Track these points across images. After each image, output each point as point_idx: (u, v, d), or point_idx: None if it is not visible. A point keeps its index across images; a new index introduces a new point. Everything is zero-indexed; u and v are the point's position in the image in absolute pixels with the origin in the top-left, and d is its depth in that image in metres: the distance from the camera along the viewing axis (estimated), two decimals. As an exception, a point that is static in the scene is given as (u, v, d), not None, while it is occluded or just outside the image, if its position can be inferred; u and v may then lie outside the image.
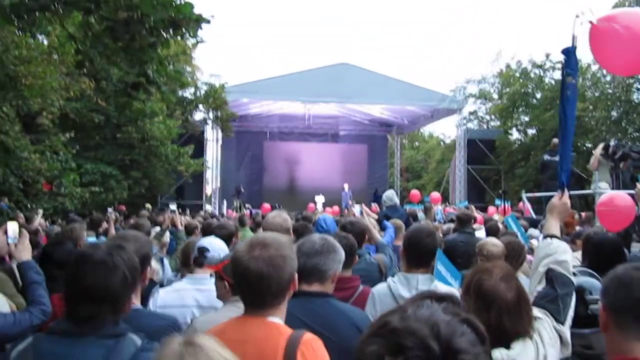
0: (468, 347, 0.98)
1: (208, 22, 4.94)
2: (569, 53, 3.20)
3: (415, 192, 22.55)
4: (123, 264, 2.06)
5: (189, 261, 3.80)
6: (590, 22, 3.24)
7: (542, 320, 2.34)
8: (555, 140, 12.61)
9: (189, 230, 7.15)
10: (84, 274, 2.01)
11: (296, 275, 2.19)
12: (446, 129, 52.74)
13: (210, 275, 3.33)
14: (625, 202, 5.70)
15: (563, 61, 3.24)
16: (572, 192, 11.10)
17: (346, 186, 25.54)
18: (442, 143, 47.71)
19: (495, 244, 4.80)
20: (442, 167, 38.88)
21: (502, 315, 2.13)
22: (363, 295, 3.53)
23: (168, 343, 1.43)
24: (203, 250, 3.48)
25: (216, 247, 3.55)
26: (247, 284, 2.09)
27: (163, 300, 3.34)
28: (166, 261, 5.37)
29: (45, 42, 10.65)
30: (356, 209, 7.22)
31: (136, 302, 2.64)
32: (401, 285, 3.34)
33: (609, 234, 4.47)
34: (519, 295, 2.19)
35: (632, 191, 6.98)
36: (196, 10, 4.79)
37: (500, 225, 9.16)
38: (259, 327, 2.07)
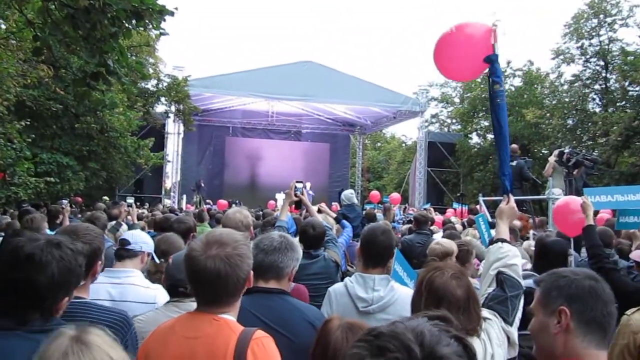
0: (452, 356, 0.95)
1: (172, 14, 4.86)
2: (492, 61, 3.30)
3: (375, 193, 22.73)
4: (53, 261, 1.98)
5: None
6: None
7: (491, 320, 2.41)
8: (514, 145, 12.86)
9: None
10: (10, 266, 1.96)
11: (252, 273, 2.18)
12: (408, 131, 53.33)
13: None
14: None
15: (488, 70, 3.33)
16: (527, 197, 11.35)
17: (308, 185, 25.58)
18: (403, 145, 48.25)
19: (438, 242, 4.91)
20: (403, 168, 39.34)
21: (452, 311, 2.16)
22: (294, 291, 3.50)
23: (57, 336, 1.37)
24: (124, 243, 3.44)
25: (138, 239, 3.52)
26: (204, 282, 2.06)
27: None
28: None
29: (3, 27, 10.33)
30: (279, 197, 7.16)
31: (85, 296, 2.60)
32: (358, 285, 3.36)
33: (555, 238, 4.60)
34: (469, 293, 2.25)
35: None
36: (160, 2, 4.73)
37: (459, 227, 9.34)
38: (210, 323, 2.05)
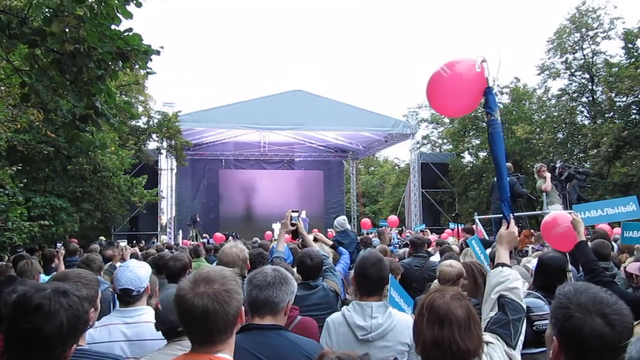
0: None
1: (158, 53, 4.89)
2: (487, 94, 3.37)
3: (365, 221, 22.85)
4: (62, 310, 1.98)
5: None
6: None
7: (494, 344, 2.40)
8: (508, 164, 12.93)
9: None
10: (18, 317, 1.95)
11: (243, 309, 2.16)
12: (400, 154, 53.68)
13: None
14: (568, 221, 5.87)
15: (483, 101, 3.42)
16: (523, 214, 11.30)
17: (304, 213, 25.57)
18: (396, 167, 48.40)
19: (451, 264, 4.88)
20: (398, 191, 39.41)
21: (454, 330, 2.17)
22: (301, 325, 3.51)
23: None
24: (128, 292, 3.36)
25: (137, 283, 3.41)
26: (193, 321, 2.04)
27: (91, 336, 3.22)
28: (117, 296, 5.24)
29: (-10, 73, 10.38)
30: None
31: (82, 343, 2.57)
32: (356, 314, 3.35)
33: (553, 254, 4.59)
34: (469, 313, 2.25)
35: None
36: (145, 41, 4.77)
37: (456, 247, 9.30)
38: None
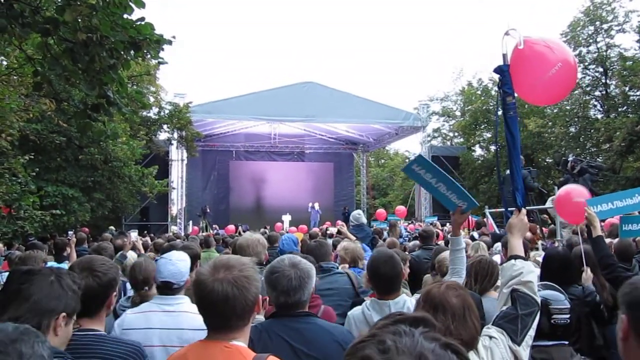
0: None
1: (170, 43, 4.89)
2: (503, 72, 3.10)
3: (381, 211, 22.80)
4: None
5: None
6: (517, 45, 3.11)
7: (497, 339, 2.34)
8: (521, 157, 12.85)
9: None
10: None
11: (260, 297, 2.16)
12: (411, 146, 53.49)
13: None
14: (582, 194, 5.85)
15: (498, 80, 3.15)
16: (533, 207, 11.17)
17: (316, 205, 25.62)
18: (407, 160, 48.25)
19: (446, 258, 4.86)
20: (408, 184, 39.28)
21: (448, 318, 2.16)
22: (326, 315, 3.51)
23: None
24: (169, 286, 3.35)
25: (179, 276, 3.39)
26: (212, 306, 2.05)
27: (129, 322, 3.26)
28: (129, 285, 5.28)
29: (4, 63, 10.44)
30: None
31: (100, 328, 2.59)
32: (374, 312, 3.38)
33: (559, 249, 4.54)
34: (464, 302, 2.23)
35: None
36: (157, 31, 4.76)
37: (468, 240, 9.26)
38: (222, 351, 2.03)
